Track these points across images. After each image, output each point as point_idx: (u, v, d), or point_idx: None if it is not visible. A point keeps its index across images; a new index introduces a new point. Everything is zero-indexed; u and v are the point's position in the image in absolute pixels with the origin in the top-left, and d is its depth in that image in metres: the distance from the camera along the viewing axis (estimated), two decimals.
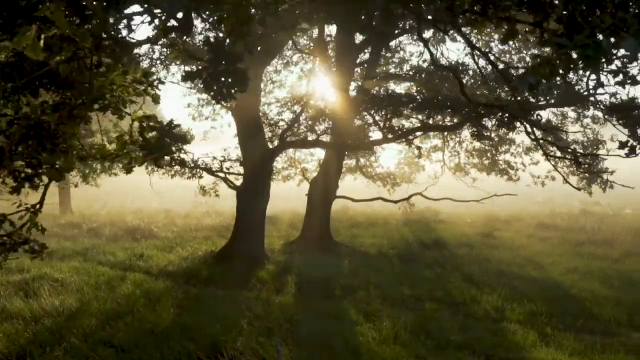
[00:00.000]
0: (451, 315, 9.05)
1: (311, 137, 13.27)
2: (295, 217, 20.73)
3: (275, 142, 13.74)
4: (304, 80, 18.61)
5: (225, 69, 2.52)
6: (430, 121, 11.85)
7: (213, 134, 19.73)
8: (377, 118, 11.85)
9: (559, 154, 12.84)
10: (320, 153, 18.04)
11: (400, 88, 15.98)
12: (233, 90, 2.61)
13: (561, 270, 12.39)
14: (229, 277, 11.70)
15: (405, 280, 11.41)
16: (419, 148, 12.61)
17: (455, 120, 11.86)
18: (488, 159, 18.94)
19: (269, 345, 6.85)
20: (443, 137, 18.60)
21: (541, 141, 12.04)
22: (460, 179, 19.27)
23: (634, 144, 4.92)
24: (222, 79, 2.52)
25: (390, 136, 11.76)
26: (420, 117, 11.75)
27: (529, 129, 11.20)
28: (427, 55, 14.14)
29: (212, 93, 2.65)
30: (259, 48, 12.84)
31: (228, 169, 13.61)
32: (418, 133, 12.72)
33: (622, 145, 4.86)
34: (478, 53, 9.79)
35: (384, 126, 11.49)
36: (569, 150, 12.55)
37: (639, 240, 16.05)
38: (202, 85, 2.70)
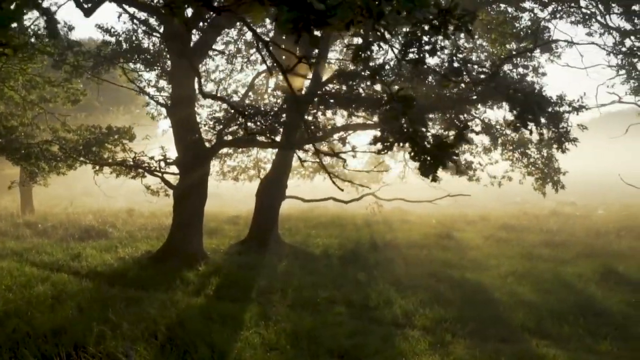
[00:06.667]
0: (354, 320, 8.71)
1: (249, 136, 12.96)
2: None
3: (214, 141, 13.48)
4: (257, 78, 18.37)
5: None
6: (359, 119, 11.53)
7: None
8: (306, 117, 11.58)
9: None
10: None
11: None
12: None
13: (499, 273, 11.98)
14: (155, 278, 11.48)
15: (331, 283, 11.09)
16: (353, 148, 12.30)
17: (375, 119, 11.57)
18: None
19: (130, 349, 6.61)
20: None
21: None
22: (422, 179, 18.83)
23: (391, 139, 4.49)
24: None
25: (319, 134, 11.48)
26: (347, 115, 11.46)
27: None
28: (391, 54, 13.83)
29: None
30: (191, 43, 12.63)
31: (163, 168, 13.37)
32: (350, 131, 12.43)
33: (375, 140, 4.46)
34: None
35: (310, 125, 11.21)
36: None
37: (594, 242, 15.53)
38: None
